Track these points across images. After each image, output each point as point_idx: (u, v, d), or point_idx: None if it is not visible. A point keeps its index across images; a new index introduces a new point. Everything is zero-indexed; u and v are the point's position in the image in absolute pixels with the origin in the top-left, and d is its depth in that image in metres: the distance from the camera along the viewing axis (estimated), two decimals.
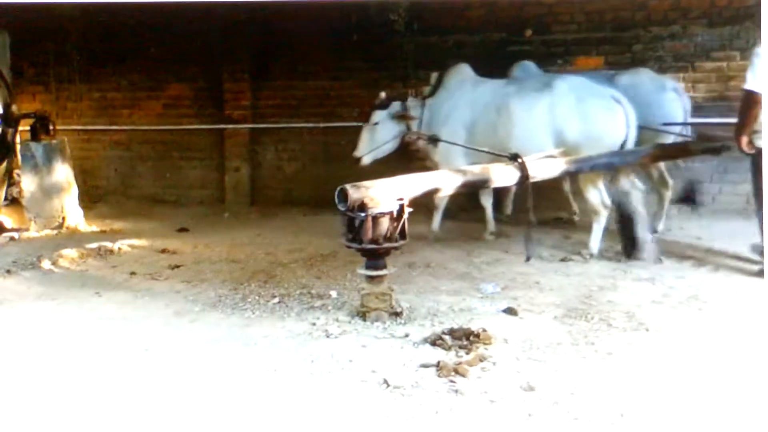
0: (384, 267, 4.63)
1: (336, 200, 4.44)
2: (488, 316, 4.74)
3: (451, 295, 5.23)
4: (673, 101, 7.29)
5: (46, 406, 3.47)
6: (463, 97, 7.05)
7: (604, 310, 4.85)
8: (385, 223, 4.53)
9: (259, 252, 6.90)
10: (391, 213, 4.57)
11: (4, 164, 8.21)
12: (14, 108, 8.41)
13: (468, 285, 5.55)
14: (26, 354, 4.27)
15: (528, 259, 6.04)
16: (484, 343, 4.12)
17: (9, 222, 8.00)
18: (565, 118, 6.43)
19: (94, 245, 7.11)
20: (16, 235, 7.59)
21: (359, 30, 9.01)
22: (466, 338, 4.17)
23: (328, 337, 4.40)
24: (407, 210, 4.71)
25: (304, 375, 3.80)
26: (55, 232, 7.72)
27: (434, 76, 7.47)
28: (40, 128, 8.22)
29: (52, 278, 6.13)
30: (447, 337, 4.18)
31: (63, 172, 8.19)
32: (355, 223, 4.52)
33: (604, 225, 6.48)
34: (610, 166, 6.32)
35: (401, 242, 4.67)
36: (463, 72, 7.26)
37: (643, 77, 7.34)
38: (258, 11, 8.59)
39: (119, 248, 7.14)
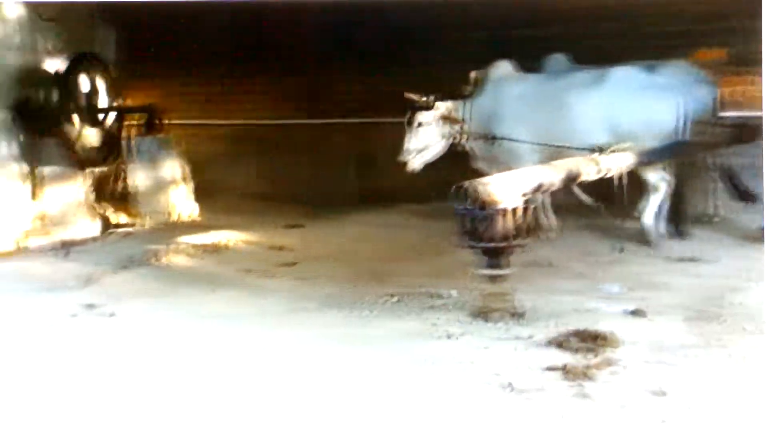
0: (506, 266, 4.76)
1: (454, 198, 4.58)
2: (614, 317, 4.82)
3: (574, 296, 5.33)
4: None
5: (159, 404, 3.68)
6: (511, 94, 7.23)
7: (737, 312, 4.86)
8: (508, 221, 4.65)
9: (373, 249, 7.18)
10: (514, 210, 4.69)
11: (116, 159, 8.64)
12: (122, 103, 8.87)
13: (590, 285, 5.67)
14: (143, 351, 4.53)
15: (621, 250, 6.29)
16: (612, 346, 4.21)
17: (121, 217, 8.45)
18: (621, 110, 6.73)
19: (207, 241, 7.49)
20: (130, 230, 8.02)
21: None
22: (592, 340, 4.27)
23: (449, 337, 4.56)
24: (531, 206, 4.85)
25: (425, 376, 3.94)
26: (167, 227, 8.13)
27: (474, 75, 7.50)
28: (149, 123, 8.63)
29: (166, 274, 6.52)
30: (573, 339, 4.28)
31: (173, 167, 8.59)
32: (475, 221, 4.65)
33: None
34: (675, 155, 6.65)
35: (525, 240, 4.79)
36: (505, 68, 7.42)
37: (682, 70, 7.30)
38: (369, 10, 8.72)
39: (231, 244, 7.49)
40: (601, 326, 4.52)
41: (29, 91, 8.18)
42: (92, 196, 7.97)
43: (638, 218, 7.00)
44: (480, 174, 6.97)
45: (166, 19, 9.65)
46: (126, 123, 8.96)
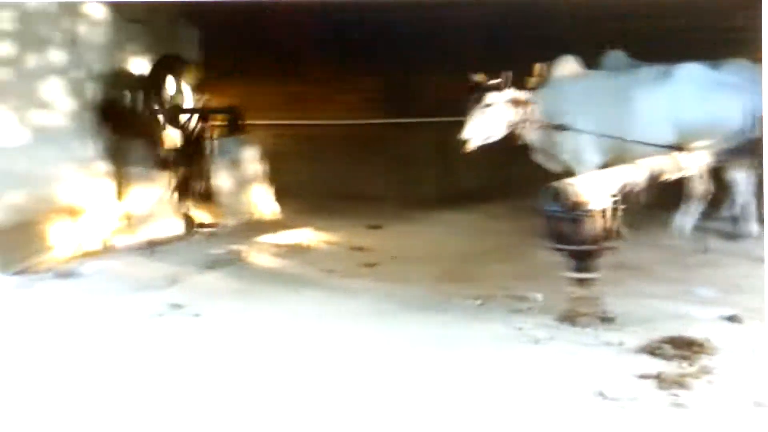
0: (594, 270, 4.68)
1: (543, 200, 4.53)
2: (708, 323, 4.68)
3: (665, 300, 5.20)
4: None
5: (243, 405, 3.73)
6: (575, 88, 7.18)
7: None
8: (598, 223, 4.57)
9: (455, 250, 7.15)
10: (603, 211, 4.61)
11: (199, 159, 8.77)
12: (206, 103, 9.00)
13: (682, 288, 5.51)
14: (228, 351, 4.59)
15: (705, 251, 6.16)
16: (708, 354, 4.10)
17: (206, 217, 8.57)
18: (690, 107, 6.68)
19: (289, 241, 7.56)
20: (213, 230, 8.14)
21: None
22: (687, 348, 4.16)
23: (535, 343, 4.50)
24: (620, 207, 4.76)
25: (512, 383, 3.89)
26: (249, 227, 8.21)
27: (539, 66, 7.42)
28: (232, 123, 8.74)
29: (250, 274, 6.57)
30: (666, 346, 4.18)
31: (255, 167, 8.68)
32: (565, 223, 4.58)
33: None
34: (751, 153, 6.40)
35: (615, 243, 4.71)
36: (571, 64, 7.36)
37: (744, 68, 7.02)
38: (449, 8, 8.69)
39: (313, 244, 7.55)
40: (695, 332, 4.38)
41: (115, 93, 8.30)
42: (176, 196, 8.07)
43: (715, 218, 6.97)
44: (543, 169, 7.32)
45: (249, 20, 9.77)
46: (209, 123, 9.04)
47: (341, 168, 10.20)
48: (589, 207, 4.55)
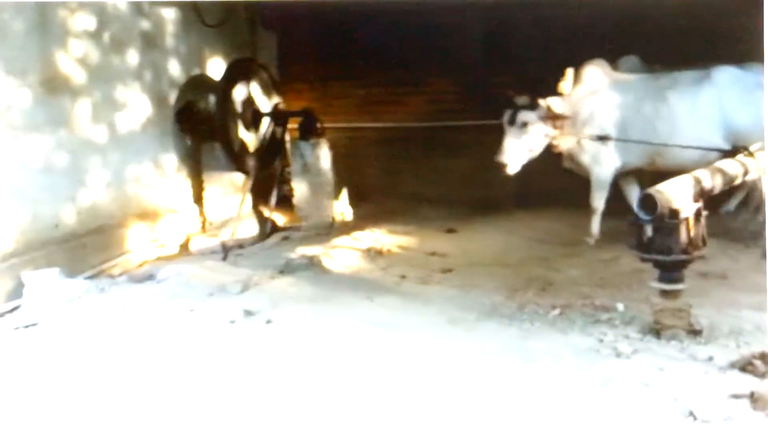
0: (681, 280, 4.42)
1: (637, 208, 4.28)
2: None
3: (756, 311, 4.85)
4: None
5: (317, 415, 3.66)
6: (607, 93, 6.93)
7: None
8: (686, 231, 4.31)
9: (532, 255, 6.88)
10: (687, 218, 4.34)
11: (276, 163, 8.70)
12: (282, 106, 8.93)
13: None
14: (300, 360, 4.49)
15: (764, 255, 5.73)
16: None
17: (281, 220, 8.49)
18: (734, 109, 6.49)
19: (364, 246, 7.42)
20: (289, 233, 8.03)
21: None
22: None
23: (618, 356, 4.28)
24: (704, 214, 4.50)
25: (594, 399, 3.70)
26: (325, 231, 8.09)
27: (569, 72, 7.07)
28: (308, 126, 8.64)
29: (324, 280, 6.42)
30: (758, 363, 3.90)
31: (331, 171, 8.57)
32: (654, 231, 4.32)
33: None
34: None
35: (703, 251, 4.43)
36: (602, 67, 7.05)
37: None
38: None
39: (388, 249, 7.38)
40: None
41: (194, 97, 8.32)
42: (253, 200, 7.99)
43: None
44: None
45: (324, 23, 9.70)
46: (285, 127, 8.99)
47: (417, 171, 10.00)
48: (681, 215, 4.28)
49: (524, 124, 6.83)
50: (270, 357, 4.58)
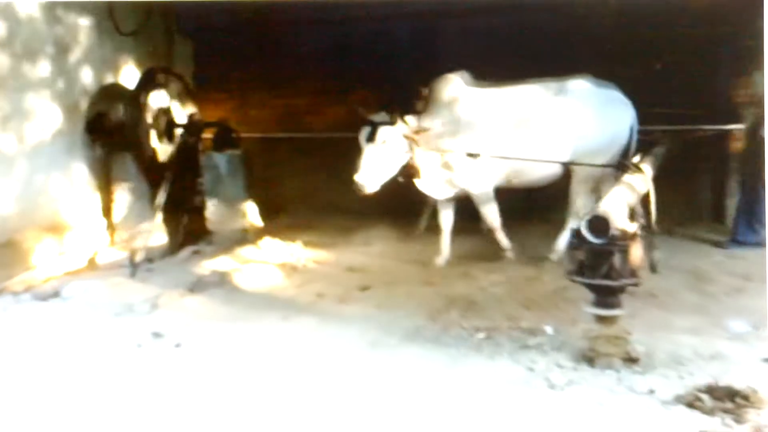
0: (618, 305, 3.89)
1: (584, 230, 3.73)
2: (747, 365, 3.91)
3: (693, 335, 4.40)
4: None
5: None
6: (465, 108, 6.36)
7: None
8: (627, 252, 3.78)
9: (453, 273, 6.29)
10: (632, 239, 3.82)
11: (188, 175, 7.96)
12: (197, 117, 8.23)
13: (709, 321, 4.70)
14: (210, 386, 3.96)
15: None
16: (756, 407, 3.31)
17: (193, 233, 7.71)
18: (587, 123, 6.21)
19: (279, 260, 6.81)
20: (200, 247, 7.34)
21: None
22: (729, 399, 3.37)
23: (551, 387, 3.77)
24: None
25: None
26: (238, 244, 7.36)
27: (424, 90, 6.49)
28: (223, 137, 7.98)
29: (236, 298, 5.79)
30: (705, 397, 3.40)
31: (245, 183, 7.89)
32: (595, 255, 3.79)
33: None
34: None
35: (639, 278, 3.91)
36: (456, 82, 6.46)
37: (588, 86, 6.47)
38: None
39: (304, 264, 6.76)
40: (736, 378, 3.59)
41: (106, 107, 7.53)
42: (164, 212, 7.24)
43: None
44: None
45: (243, 31, 9.06)
46: (200, 137, 8.27)
47: (336, 183, 9.37)
48: (627, 236, 3.77)
49: (384, 142, 6.09)
50: (177, 385, 3.99)
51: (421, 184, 6.50)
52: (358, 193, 6.05)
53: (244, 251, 7.16)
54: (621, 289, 3.87)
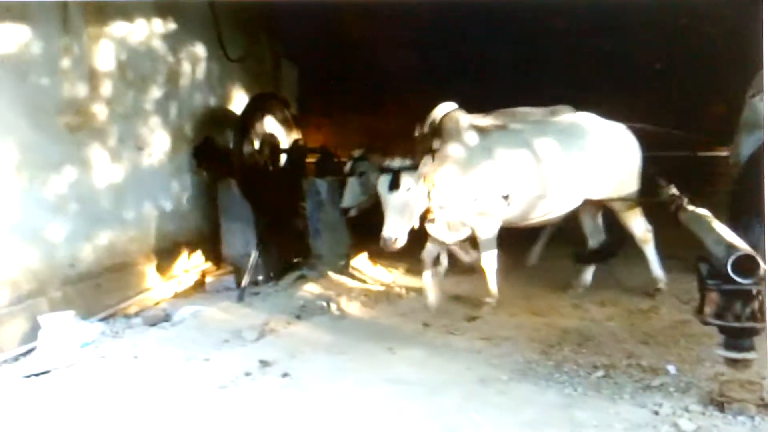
0: (753, 348, 3.59)
1: (729, 271, 3.45)
2: None
3: None
4: None
5: None
6: (481, 145, 5.80)
7: None
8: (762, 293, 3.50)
9: (564, 304, 6.02)
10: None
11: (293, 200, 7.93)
12: (301, 142, 8.26)
13: None
14: (317, 423, 3.85)
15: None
16: None
17: (297, 260, 7.65)
18: (605, 158, 5.93)
19: (382, 288, 6.72)
20: (304, 272, 7.27)
21: None
22: None
23: None
24: None
25: None
26: (339, 270, 7.26)
27: (426, 125, 5.87)
28: (324, 164, 7.96)
29: (341, 326, 5.69)
30: None
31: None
32: (732, 296, 3.51)
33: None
34: None
35: None
36: (462, 113, 5.91)
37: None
38: None
39: (407, 292, 6.60)
40: None
41: (214, 132, 7.75)
42: (269, 237, 7.22)
43: None
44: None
45: (346, 54, 9.01)
46: (303, 163, 8.29)
47: None
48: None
49: (408, 189, 5.42)
50: (286, 418, 3.91)
51: (432, 227, 5.89)
52: (387, 250, 5.44)
53: (347, 277, 7.06)
54: (754, 331, 3.57)
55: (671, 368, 4.30)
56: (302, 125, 8.51)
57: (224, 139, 7.86)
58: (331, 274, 7.11)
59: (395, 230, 5.34)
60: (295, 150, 8.10)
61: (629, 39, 8.58)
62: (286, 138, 8.13)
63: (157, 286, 6.68)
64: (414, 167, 5.42)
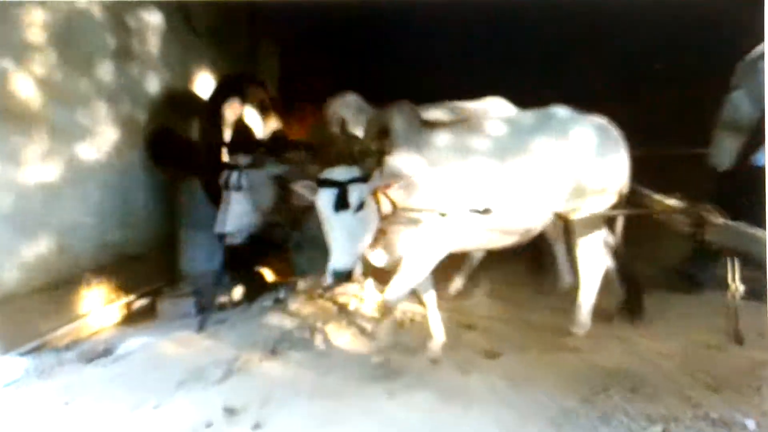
0: None
1: None
2: None
3: None
4: None
5: None
6: (435, 147, 5.29)
7: None
8: None
9: (603, 336, 5.72)
10: None
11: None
12: (281, 135, 8.05)
13: None
14: None
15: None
16: None
17: (274, 276, 7.42)
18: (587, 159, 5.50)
19: (378, 313, 6.32)
20: (282, 294, 6.99)
21: None
22: None
23: None
24: None
25: None
26: (328, 291, 6.96)
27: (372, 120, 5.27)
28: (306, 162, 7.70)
29: (328, 362, 5.40)
30: None
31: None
32: None
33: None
34: None
35: None
36: (409, 107, 5.32)
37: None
38: None
39: (410, 318, 6.32)
40: None
41: (174, 121, 7.54)
42: (240, 250, 6.96)
43: None
44: None
45: (335, 34, 8.95)
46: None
47: None
48: None
49: (364, 206, 4.84)
50: None
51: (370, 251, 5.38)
52: (337, 285, 5.05)
53: (339, 300, 6.80)
54: None
55: (750, 423, 4.03)
56: (283, 113, 8.28)
57: (187, 129, 7.66)
58: (316, 297, 6.86)
59: (346, 261, 4.72)
60: (274, 142, 7.80)
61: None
62: (263, 128, 7.92)
63: (96, 311, 6.41)
64: (364, 179, 4.82)
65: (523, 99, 6.23)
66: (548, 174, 5.36)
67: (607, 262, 5.87)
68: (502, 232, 5.46)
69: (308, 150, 7.54)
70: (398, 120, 5.11)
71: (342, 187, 4.72)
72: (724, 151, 6.25)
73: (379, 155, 4.94)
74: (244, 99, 7.63)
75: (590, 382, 4.77)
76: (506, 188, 5.29)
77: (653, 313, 6.07)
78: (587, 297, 5.79)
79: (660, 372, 4.92)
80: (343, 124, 5.10)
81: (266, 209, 6.34)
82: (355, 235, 4.75)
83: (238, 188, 6.20)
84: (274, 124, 7.95)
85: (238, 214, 6.18)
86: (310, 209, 5.76)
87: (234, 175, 6.24)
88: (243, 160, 6.01)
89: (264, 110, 7.94)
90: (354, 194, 4.71)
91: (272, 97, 8.09)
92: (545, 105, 5.69)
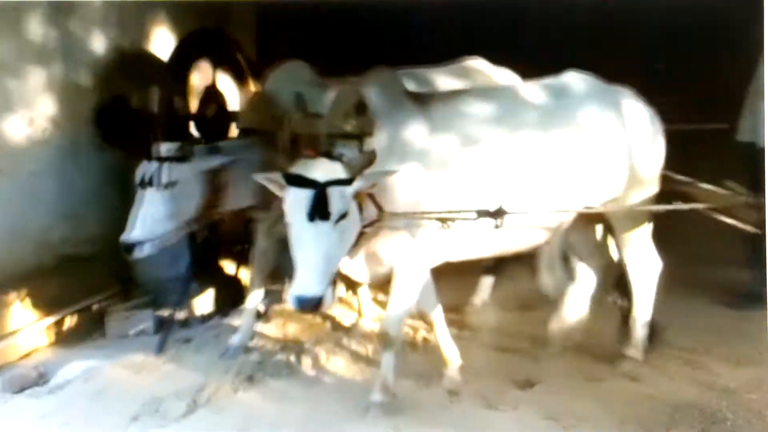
0: None
1: None
2: None
3: None
4: None
5: None
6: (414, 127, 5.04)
7: None
8: None
9: (668, 361, 5.66)
10: None
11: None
12: None
13: None
14: None
15: None
16: None
17: (242, 289, 7.28)
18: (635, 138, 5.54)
19: (367, 328, 6.55)
20: (263, 305, 6.91)
21: None
22: None
23: None
24: None
25: None
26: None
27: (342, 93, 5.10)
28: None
29: (317, 395, 5.40)
30: None
31: None
32: None
33: None
34: None
35: None
36: (395, 79, 5.37)
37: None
38: None
39: (423, 338, 6.28)
40: None
41: (129, 88, 7.31)
42: (209, 251, 6.97)
43: None
44: None
45: None
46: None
47: None
48: None
49: (347, 215, 4.60)
50: None
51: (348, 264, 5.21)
52: (307, 312, 5.14)
53: (329, 314, 6.84)
54: None
55: None
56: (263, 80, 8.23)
57: (144, 98, 7.20)
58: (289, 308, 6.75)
59: (315, 287, 4.41)
60: (209, 122, 7.74)
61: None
62: (238, 96, 7.90)
63: (28, 328, 6.37)
64: (348, 182, 4.56)
65: None
66: (600, 157, 5.25)
67: (660, 264, 5.73)
68: (530, 230, 5.31)
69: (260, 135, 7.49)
70: (376, 92, 5.02)
71: (321, 190, 4.45)
72: (760, 123, 6.12)
73: (359, 140, 4.76)
74: (215, 61, 7.60)
75: (651, 419, 4.76)
76: (538, 179, 5.14)
77: (735, 333, 6.08)
78: (643, 310, 5.71)
79: (741, 406, 4.89)
80: (300, 100, 5.05)
81: (191, 215, 5.97)
82: (330, 253, 4.50)
83: (158, 185, 5.83)
84: (251, 90, 7.89)
85: (150, 219, 5.80)
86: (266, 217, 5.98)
87: (151, 169, 5.88)
88: (163, 149, 5.66)
89: (239, 75, 7.90)
90: (336, 200, 4.45)
91: (248, 59, 8.07)
92: None
